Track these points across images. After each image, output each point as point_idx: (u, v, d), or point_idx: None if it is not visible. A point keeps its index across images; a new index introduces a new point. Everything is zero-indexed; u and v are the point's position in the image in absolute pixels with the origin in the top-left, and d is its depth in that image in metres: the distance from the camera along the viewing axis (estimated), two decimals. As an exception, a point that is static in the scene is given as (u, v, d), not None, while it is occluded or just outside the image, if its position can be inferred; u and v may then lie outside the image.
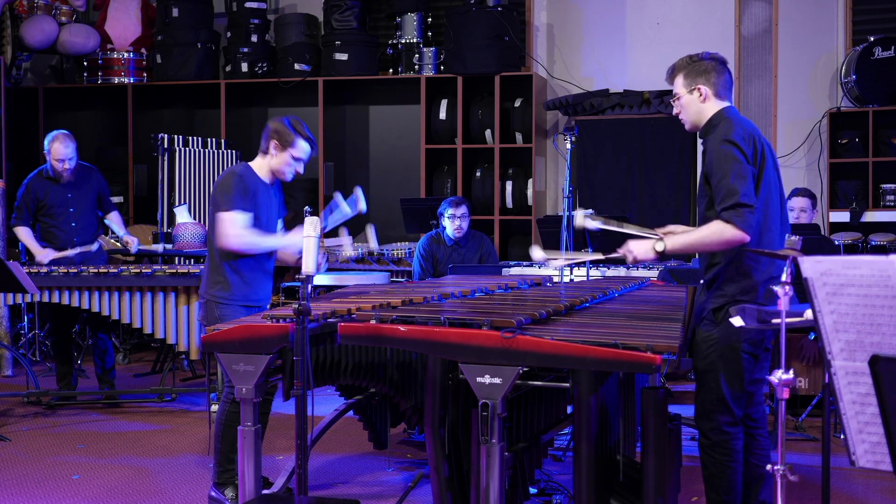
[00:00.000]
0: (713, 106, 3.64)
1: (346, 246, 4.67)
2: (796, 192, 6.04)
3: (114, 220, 6.65)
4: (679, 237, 3.60)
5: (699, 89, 3.63)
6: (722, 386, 3.53)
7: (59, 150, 6.27)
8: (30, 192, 6.37)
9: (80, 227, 6.44)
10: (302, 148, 4.34)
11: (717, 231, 3.43)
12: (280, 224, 4.60)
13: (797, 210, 5.90)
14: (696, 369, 3.64)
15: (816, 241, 5.44)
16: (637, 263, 3.73)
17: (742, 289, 3.51)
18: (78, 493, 4.59)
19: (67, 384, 6.48)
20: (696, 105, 3.65)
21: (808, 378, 5.75)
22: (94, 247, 6.42)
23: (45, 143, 6.34)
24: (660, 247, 3.52)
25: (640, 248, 3.57)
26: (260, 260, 4.36)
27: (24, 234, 6.40)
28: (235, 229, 4.22)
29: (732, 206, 3.39)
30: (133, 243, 6.62)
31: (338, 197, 4.58)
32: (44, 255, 6.27)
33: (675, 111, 3.75)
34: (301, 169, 4.42)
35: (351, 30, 8.80)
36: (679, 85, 3.69)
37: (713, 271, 3.59)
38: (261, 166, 4.41)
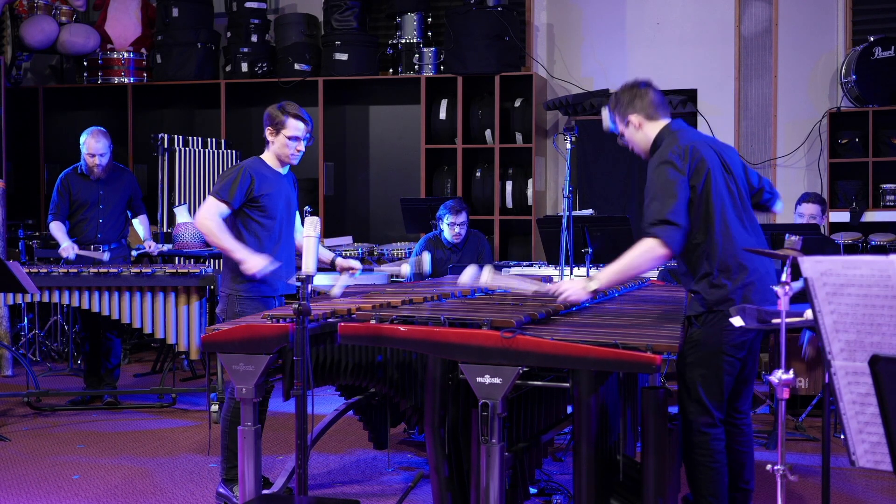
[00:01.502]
0: (652, 128, 3.67)
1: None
2: (806, 199, 5.99)
3: (141, 222, 6.72)
4: (609, 268, 3.55)
5: (630, 121, 3.68)
6: (699, 389, 3.50)
7: (92, 144, 6.34)
8: (63, 187, 6.43)
9: (106, 226, 6.47)
10: (294, 126, 4.37)
11: (647, 249, 3.44)
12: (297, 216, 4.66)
13: (807, 216, 5.87)
14: (677, 371, 3.61)
15: (817, 242, 5.43)
16: (569, 305, 3.67)
17: (718, 299, 3.48)
18: (78, 493, 4.59)
19: (93, 382, 6.47)
20: (637, 134, 3.69)
21: (808, 378, 5.75)
22: (106, 257, 6.39)
23: (81, 139, 6.40)
24: (593, 285, 3.52)
25: (573, 287, 3.54)
26: (273, 251, 4.39)
27: (56, 227, 6.42)
28: (207, 210, 4.32)
29: (658, 222, 3.42)
30: (153, 247, 6.70)
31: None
32: (67, 248, 6.26)
33: (629, 147, 3.79)
34: (302, 147, 4.45)
35: (351, 30, 8.80)
36: (617, 124, 3.76)
37: (690, 282, 3.58)
38: (268, 156, 4.48)
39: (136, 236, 6.95)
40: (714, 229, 3.49)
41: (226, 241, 4.31)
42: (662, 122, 3.67)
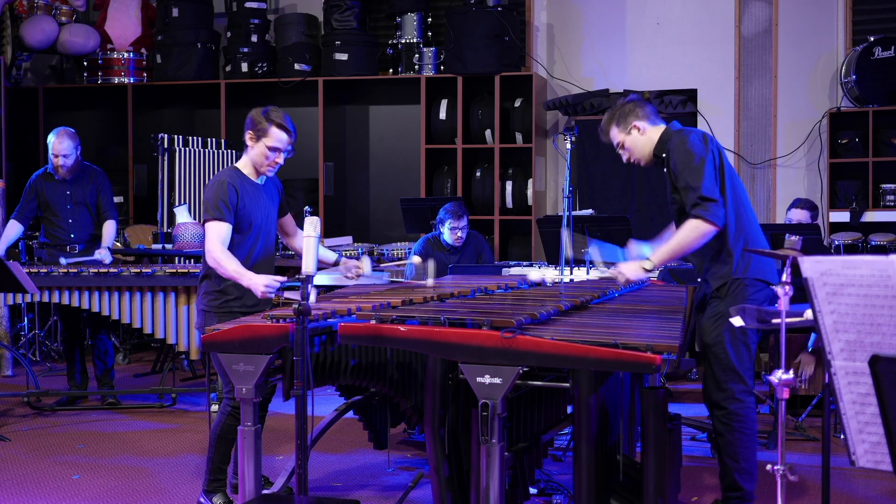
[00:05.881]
0: (654, 131, 4.00)
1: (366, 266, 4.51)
2: (797, 204, 6.08)
3: (106, 228, 6.45)
4: (662, 248, 3.89)
5: (636, 126, 4.00)
6: (732, 358, 3.81)
7: (55, 145, 6.30)
8: (31, 188, 6.43)
9: (77, 226, 6.44)
10: (275, 136, 4.11)
11: (693, 228, 3.77)
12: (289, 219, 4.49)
13: (795, 222, 5.92)
14: (703, 346, 3.88)
15: (815, 243, 5.43)
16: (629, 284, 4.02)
17: (733, 268, 3.83)
18: (78, 493, 4.59)
19: (76, 383, 6.48)
20: (640, 139, 4.01)
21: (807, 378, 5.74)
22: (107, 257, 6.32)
23: (48, 139, 6.37)
24: (649, 265, 3.84)
25: (631, 269, 3.87)
26: (244, 265, 4.11)
27: (8, 227, 6.43)
28: (212, 242, 4.07)
29: (697, 202, 3.74)
30: (104, 255, 6.23)
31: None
32: None
33: (625, 158, 4.09)
34: (281, 160, 4.18)
35: (351, 30, 8.80)
36: (616, 134, 4.06)
37: (705, 264, 3.95)
38: (245, 164, 4.24)
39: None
40: (727, 204, 3.83)
41: (230, 269, 4.02)
42: (662, 126, 4.01)
